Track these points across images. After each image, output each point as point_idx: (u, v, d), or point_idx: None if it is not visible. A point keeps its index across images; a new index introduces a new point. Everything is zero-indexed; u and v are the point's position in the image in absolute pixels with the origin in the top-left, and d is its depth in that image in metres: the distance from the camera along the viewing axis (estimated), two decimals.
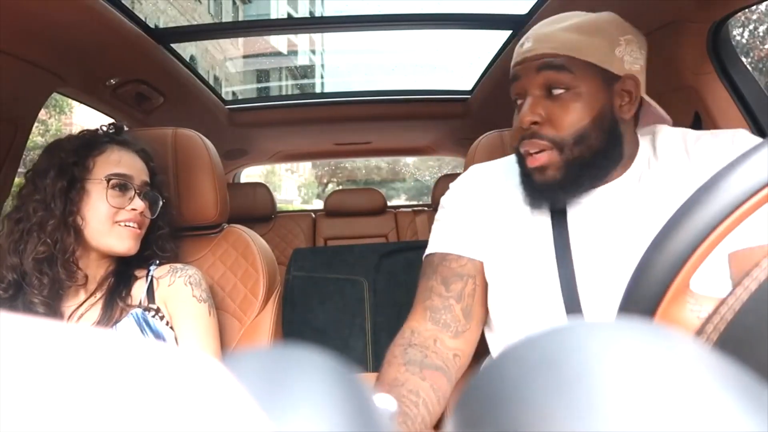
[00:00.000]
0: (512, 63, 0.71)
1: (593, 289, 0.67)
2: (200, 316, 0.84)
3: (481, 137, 1.13)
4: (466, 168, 1.11)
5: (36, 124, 1.16)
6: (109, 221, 0.80)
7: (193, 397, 0.11)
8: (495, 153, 1.04)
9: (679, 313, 0.34)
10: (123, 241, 0.81)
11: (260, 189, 2.59)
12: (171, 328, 0.82)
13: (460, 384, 0.76)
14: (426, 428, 0.63)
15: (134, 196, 0.83)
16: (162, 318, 0.82)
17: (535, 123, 0.66)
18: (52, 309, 0.77)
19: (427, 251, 0.80)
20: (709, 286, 0.39)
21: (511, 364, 0.16)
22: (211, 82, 1.79)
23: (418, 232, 2.69)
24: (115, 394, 0.10)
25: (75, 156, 0.80)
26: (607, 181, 0.70)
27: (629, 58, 0.67)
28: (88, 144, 0.83)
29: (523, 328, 0.72)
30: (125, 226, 0.82)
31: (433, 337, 0.72)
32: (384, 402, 0.18)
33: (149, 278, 0.85)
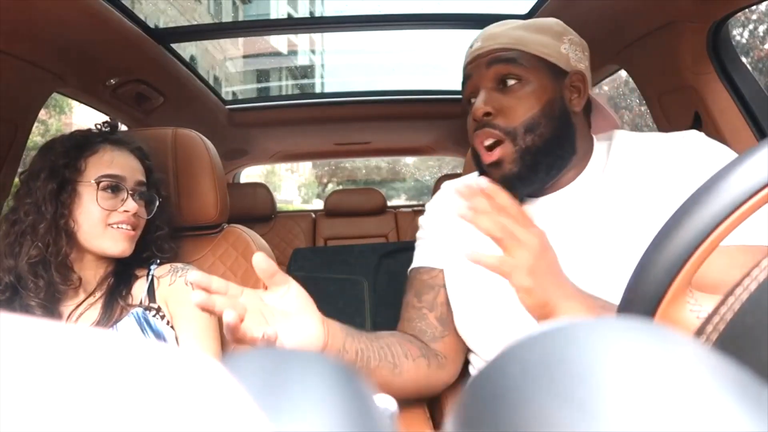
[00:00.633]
0: (463, 64, 0.74)
1: None
2: (201, 316, 0.84)
3: None
4: (466, 168, 1.11)
5: (36, 124, 1.15)
6: (101, 224, 0.79)
7: (192, 397, 0.10)
8: None
9: (679, 313, 0.34)
10: (116, 243, 0.80)
11: (260, 189, 2.59)
12: (172, 327, 0.82)
13: (459, 385, 0.76)
14: (375, 361, 0.64)
15: (127, 197, 0.81)
16: (163, 317, 0.82)
17: (487, 114, 0.67)
18: (50, 311, 0.76)
19: (408, 271, 0.84)
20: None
21: (510, 363, 0.16)
22: (211, 82, 1.79)
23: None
24: (115, 395, 0.10)
25: (66, 157, 0.79)
26: (561, 186, 0.71)
27: (574, 56, 0.69)
28: (81, 145, 0.82)
29: (478, 335, 0.73)
30: (118, 228, 0.80)
31: (409, 338, 0.74)
32: (384, 402, 0.18)
33: (150, 277, 0.85)
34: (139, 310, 0.81)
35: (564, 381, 0.15)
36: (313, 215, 2.82)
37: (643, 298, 0.34)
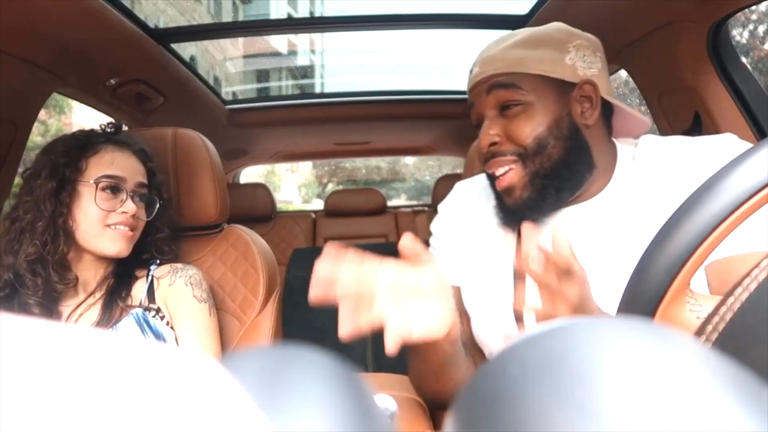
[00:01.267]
0: (467, 90, 0.72)
1: None
2: (200, 317, 0.84)
3: None
4: (466, 168, 1.11)
5: (36, 124, 1.15)
6: (99, 224, 0.79)
7: (192, 397, 0.10)
8: None
9: (679, 313, 0.34)
10: (114, 244, 0.80)
11: (260, 189, 2.59)
12: (171, 328, 0.82)
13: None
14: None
15: (126, 198, 0.81)
16: (162, 318, 0.82)
17: (493, 144, 0.67)
18: (48, 310, 0.76)
19: None
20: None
21: (510, 363, 0.16)
22: (211, 82, 1.79)
23: (418, 232, 2.68)
24: (115, 395, 0.10)
25: (67, 157, 0.79)
26: (589, 196, 0.69)
27: (582, 64, 0.66)
28: (83, 144, 0.82)
29: (498, 347, 0.72)
30: (116, 228, 0.80)
31: None
32: (384, 402, 0.18)
33: (150, 278, 0.85)
34: (139, 310, 0.81)
35: (564, 381, 0.15)
36: (313, 215, 2.82)
37: (643, 298, 0.34)
